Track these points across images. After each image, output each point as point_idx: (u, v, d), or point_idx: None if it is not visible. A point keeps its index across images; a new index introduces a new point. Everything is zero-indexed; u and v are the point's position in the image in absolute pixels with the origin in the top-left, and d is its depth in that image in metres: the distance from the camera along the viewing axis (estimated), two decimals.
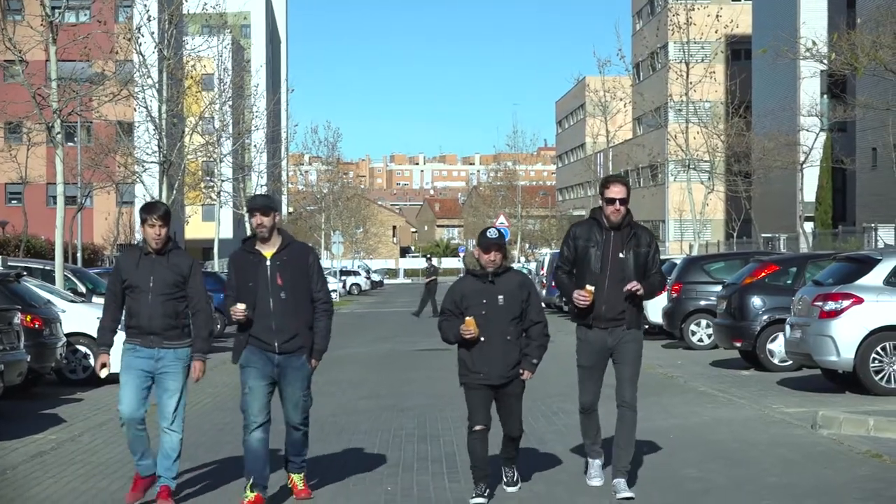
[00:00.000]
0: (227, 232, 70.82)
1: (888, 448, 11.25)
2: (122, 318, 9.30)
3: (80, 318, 18.56)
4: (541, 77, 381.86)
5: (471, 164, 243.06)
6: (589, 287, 9.28)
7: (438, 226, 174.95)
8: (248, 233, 9.64)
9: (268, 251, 9.20)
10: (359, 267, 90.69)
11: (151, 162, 35.86)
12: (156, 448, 9.25)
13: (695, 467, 10.51)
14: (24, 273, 18.98)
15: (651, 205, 73.34)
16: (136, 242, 9.49)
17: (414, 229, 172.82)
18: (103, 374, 9.20)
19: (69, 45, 25.33)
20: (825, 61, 33.74)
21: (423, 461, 11.16)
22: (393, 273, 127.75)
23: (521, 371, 9.14)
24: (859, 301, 15.61)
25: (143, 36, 32.29)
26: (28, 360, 15.32)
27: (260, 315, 9.11)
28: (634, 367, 9.44)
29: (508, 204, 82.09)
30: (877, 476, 10.08)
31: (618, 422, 9.45)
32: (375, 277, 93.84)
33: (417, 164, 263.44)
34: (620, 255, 9.36)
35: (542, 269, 43.17)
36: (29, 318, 16.29)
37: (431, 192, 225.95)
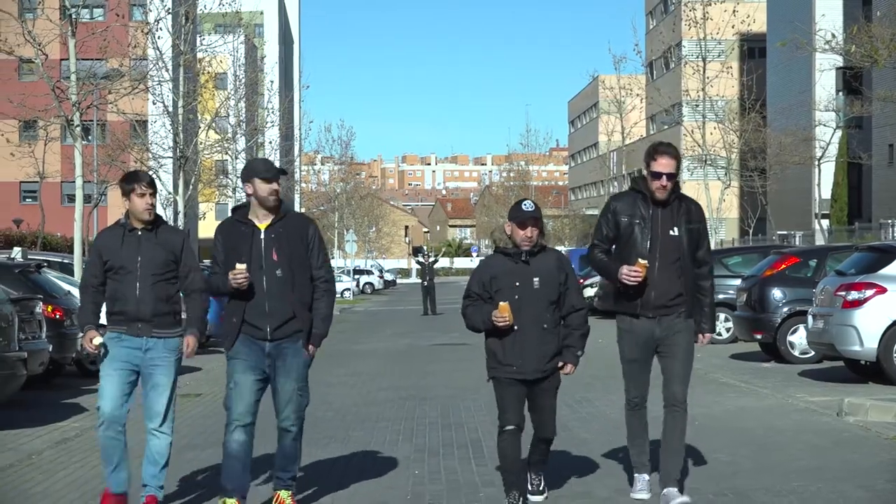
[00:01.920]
0: None
1: None
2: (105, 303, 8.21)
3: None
4: (552, 78, 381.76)
5: (483, 164, 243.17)
6: (642, 261, 8.03)
7: (451, 226, 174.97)
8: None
9: (262, 222, 7.99)
10: (372, 266, 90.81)
11: (167, 157, 35.92)
12: (138, 454, 8.53)
13: (723, 452, 10.46)
14: (45, 264, 18.97)
15: None
16: (118, 220, 8.71)
17: (426, 229, 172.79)
18: (96, 341, 7.96)
19: (88, 39, 25.36)
20: (843, 53, 33.65)
21: (449, 447, 11.12)
22: (405, 273, 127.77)
23: (561, 364, 8.03)
24: (883, 291, 15.54)
25: (161, 29, 32.36)
26: (50, 349, 15.32)
27: (251, 295, 7.94)
28: (688, 362, 8.38)
29: None
30: None
31: (667, 424, 8.32)
32: (388, 277, 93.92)
33: (429, 164, 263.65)
34: (671, 232, 8.15)
35: None
36: (50, 308, 16.26)
37: (443, 192, 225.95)
